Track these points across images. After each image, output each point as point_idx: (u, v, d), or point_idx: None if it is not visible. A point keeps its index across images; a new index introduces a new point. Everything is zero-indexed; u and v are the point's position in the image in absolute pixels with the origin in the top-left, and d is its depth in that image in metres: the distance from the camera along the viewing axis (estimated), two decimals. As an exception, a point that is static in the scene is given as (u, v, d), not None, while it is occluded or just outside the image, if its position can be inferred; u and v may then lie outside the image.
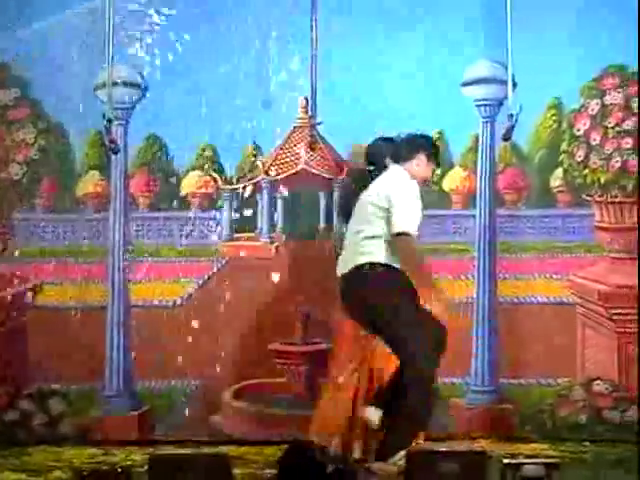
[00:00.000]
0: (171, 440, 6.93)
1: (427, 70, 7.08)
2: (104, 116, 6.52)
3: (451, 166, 7.24)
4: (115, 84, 6.84)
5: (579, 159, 7.19)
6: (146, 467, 5.16)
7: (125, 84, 7.08)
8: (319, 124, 6.95)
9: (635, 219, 7.16)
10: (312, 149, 7.02)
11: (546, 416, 7.11)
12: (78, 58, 7.07)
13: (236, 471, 5.95)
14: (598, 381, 7.12)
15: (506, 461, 5.23)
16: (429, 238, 7.17)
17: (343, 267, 5.85)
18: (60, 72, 7.09)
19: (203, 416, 7.11)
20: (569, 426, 7.07)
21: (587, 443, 6.88)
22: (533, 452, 6.52)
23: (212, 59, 7.14)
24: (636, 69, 7.12)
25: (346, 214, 6.04)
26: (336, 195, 7.17)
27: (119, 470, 5.15)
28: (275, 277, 7.16)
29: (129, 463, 6.21)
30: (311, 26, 6.66)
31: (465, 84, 7.13)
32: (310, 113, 6.97)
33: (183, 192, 7.30)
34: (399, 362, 5.73)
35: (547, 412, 7.11)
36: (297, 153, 7.21)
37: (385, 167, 6.00)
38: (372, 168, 6.15)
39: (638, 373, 6.99)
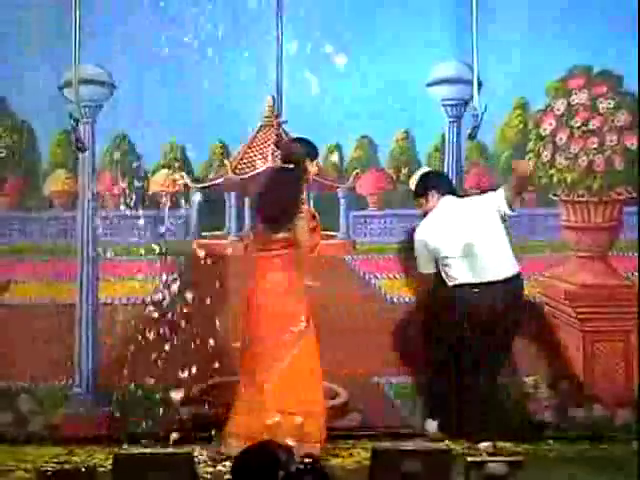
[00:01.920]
0: (138, 437, 6.96)
1: (393, 70, 7.10)
2: (71, 115, 6.52)
3: (418, 165, 7.26)
4: (82, 82, 6.83)
5: (545, 159, 7.22)
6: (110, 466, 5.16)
7: (92, 82, 7.07)
8: (284, 122, 6.95)
9: (601, 218, 7.21)
10: (278, 147, 7.03)
11: (513, 415, 7.13)
12: (44, 54, 7.05)
13: (201, 470, 6.01)
14: (564, 380, 7.16)
15: (470, 459, 5.24)
16: (397, 237, 7.23)
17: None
18: (25, 68, 7.07)
19: (172, 414, 7.10)
20: (535, 424, 7.10)
21: (550, 441, 6.93)
22: (497, 450, 6.55)
23: (180, 57, 7.14)
24: (601, 69, 7.17)
25: None
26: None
27: (83, 469, 5.14)
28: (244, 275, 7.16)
29: (94, 462, 6.20)
30: (277, 24, 6.67)
31: (431, 84, 7.17)
32: (276, 112, 6.98)
33: (151, 191, 7.31)
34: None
35: (513, 410, 7.13)
36: (264, 152, 7.22)
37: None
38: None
39: (639, 374, 7.04)
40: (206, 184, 7.25)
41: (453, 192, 6.82)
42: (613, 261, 7.21)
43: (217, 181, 7.25)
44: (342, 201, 7.22)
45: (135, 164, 7.26)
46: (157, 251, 7.18)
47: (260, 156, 7.23)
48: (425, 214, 6.80)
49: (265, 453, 4.04)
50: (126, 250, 7.22)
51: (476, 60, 6.67)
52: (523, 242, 7.16)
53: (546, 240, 7.24)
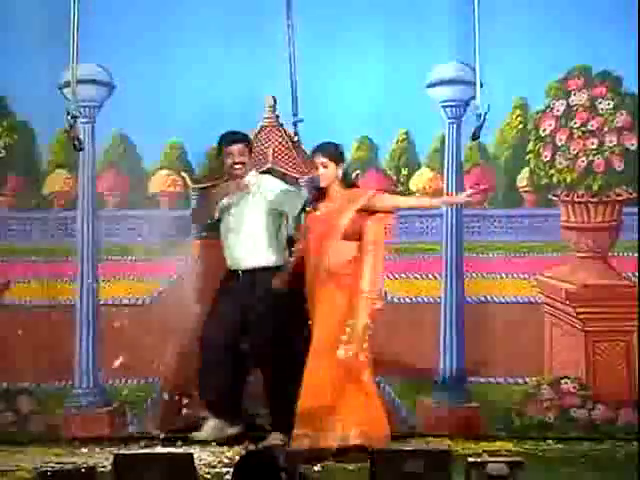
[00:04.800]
0: (138, 437, 6.96)
1: (393, 71, 7.10)
2: (68, 113, 6.52)
3: (418, 166, 7.26)
4: (82, 82, 6.83)
5: (545, 159, 7.22)
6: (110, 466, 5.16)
7: (92, 82, 7.07)
8: (300, 121, 6.95)
9: (600, 219, 7.21)
10: (296, 147, 7.05)
11: (514, 415, 7.13)
12: (43, 54, 7.04)
13: (202, 470, 6.01)
14: (565, 380, 7.15)
15: (471, 460, 5.23)
16: (397, 237, 7.22)
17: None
18: (25, 68, 7.06)
19: (172, 414, 7.10)
20: (537, 425, 7.10)
21: (550, 441, 6.93)
22: (499, 450, 6.55)
23: (181, 56, 7.14)
24: (601, 70, 7.16)
25: None
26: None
27: (83, 469, 5.14)
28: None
29: (94, 462, 6.20)
30: (288, 25, 6.68)
31: (431, 85, 7.16)
32: (292, 111, 6.97)
33: (151, 191, 7.30)
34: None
35: (515, 411, 7.13)
36: (265, 152, 7.22)
37: None
38: None
39: (639, 374, 7.04)
40: (206, 184, 7.25)
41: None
42: (613, 261, 7.20)
43: (217, 181, 7.25)
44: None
45: (135, 164, 7.26)
46: (158, 252, 7.20)
47: (260, 157, 7.24)
48: None
49: (266, 458, 4.03)
50: (126, 250, 7.22)
51: (478, 59, 6.66)
52: (522, 242, 7.20)
53: (546, 240, 7.24)
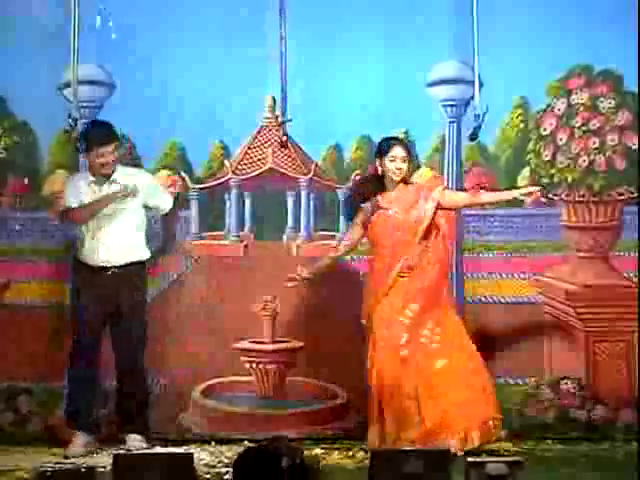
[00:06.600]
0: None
1: (393, 70, 7.11)
2: (70, 115, 6.52)
3: (418, 166, 7.25)
4: (82, 82, 6.83)
5: (546, 158, 7.22)
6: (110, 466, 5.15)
7: (92, 82, 7.08)
8: (289, 121, 6.92)
9: (601, 218, 7.20)
10: (284, 147, 7.01)
11: (514, 415, 7.13)
12: (44, 54, 7.04)
13: (202, 470, 6.01)
14: (565, 380, 7.15)
15: (470, 459, 5.23)
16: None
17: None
18: (25, 69, 7.05)
19: (171, 414, 7.10)
20: (537, 425, 7.10)
21: (550, 441, 6.92)
22: (498, 449, 6.54)
23: (181, 56, 7.14)
24: (601, 69, 7.16)
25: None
26: (304, 194, 7.22)
27: (83, 469, 5.13)
28: (244, 276, 7.16)
29: (94, 462, 6.21)
30: (280, 24, 6.67)
31: (431, 84, 7.16)
32: (280, 111, 6.97)
33: (151, 190, 7.29)
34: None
35: (515, 411, 7.12)
36: (264, 152, 7.22)
37: None
38: None
39: (639, 374, 7.04)
40: (206, 185, 7.25)
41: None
42: (614, 261, 7.20)
43: (218, 181, 7.25)
44: (342, 201, 7.22)
45: (135, 164, 7.24)
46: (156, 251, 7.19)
47: (260, 157, 7.24)
48: None
49: (267, 453, 4.03)
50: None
51: (476, 60, 6.66)
52: (523, 242, 7.19)
53: (547, 240, 7.23)
